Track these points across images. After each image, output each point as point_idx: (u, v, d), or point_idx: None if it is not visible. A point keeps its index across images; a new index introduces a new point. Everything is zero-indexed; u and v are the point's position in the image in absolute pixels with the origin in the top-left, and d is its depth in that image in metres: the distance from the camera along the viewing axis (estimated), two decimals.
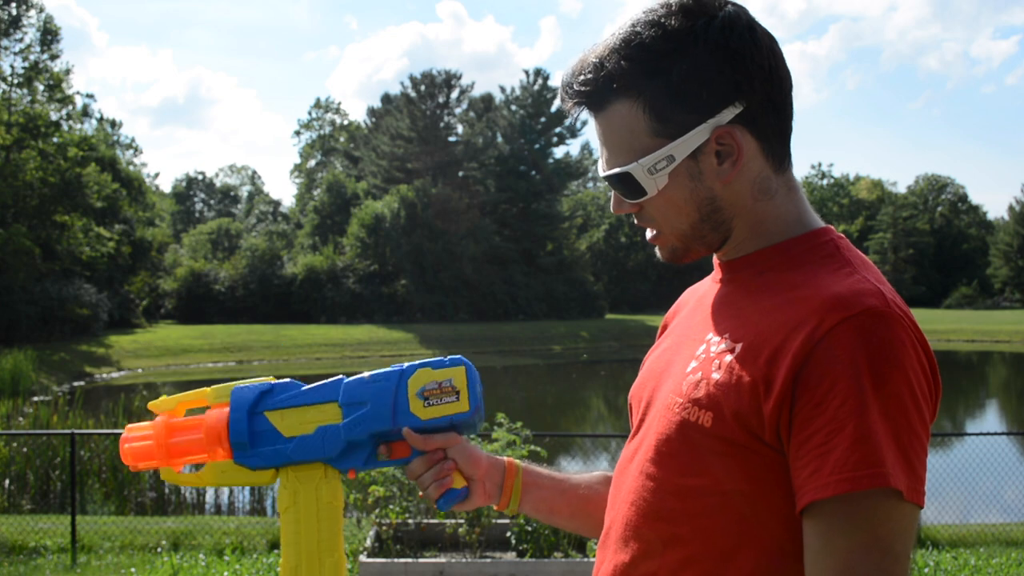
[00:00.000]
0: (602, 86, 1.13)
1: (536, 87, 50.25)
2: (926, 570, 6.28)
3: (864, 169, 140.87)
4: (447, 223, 43.46)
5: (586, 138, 60.99)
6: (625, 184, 1.15)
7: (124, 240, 35.81)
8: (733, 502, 1.07)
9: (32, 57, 31.01)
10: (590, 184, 60.60)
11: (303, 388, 1.27)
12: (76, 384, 23.01)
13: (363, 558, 5.50)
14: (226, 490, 10.22)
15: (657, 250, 1.22)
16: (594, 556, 1.29)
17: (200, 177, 74.99)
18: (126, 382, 24.02)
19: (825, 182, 73.62)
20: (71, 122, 34.08)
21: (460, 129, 49.47)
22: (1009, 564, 6.51)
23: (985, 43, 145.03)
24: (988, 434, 9.50)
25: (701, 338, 1.18)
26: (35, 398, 16.87)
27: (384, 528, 5.78)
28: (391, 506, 5.75)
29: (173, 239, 53.86)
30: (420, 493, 1.36)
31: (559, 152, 51.96)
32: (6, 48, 30.70)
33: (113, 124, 59.90)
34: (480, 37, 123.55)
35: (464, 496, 1.32)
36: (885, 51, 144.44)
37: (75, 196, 30.26)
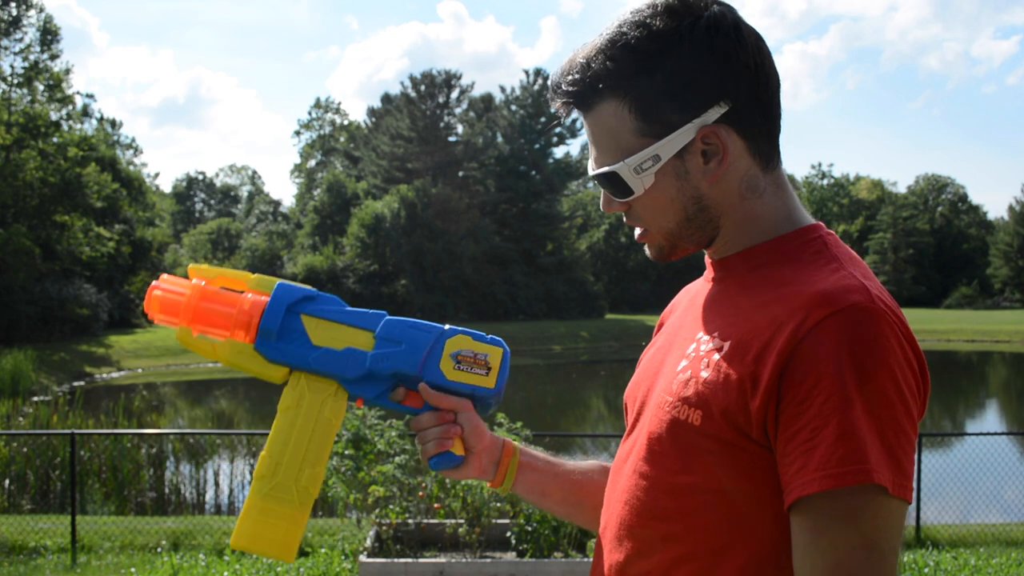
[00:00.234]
0: (589, 86, 1.14)
1: (536, 87, 50.25)
2: (926, 570, 6.28)
3: (864, 169, 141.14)
4: (447, 223, 43.47)
5: (586, 138, 61.00)
6: (612, 183, 1.16)
7: (124, 240, 35.81)
8: (725, 500, 1.08)
9: (32, 57, 31.00)
10: (590, 184, 60.51)
11: (346, 307, 1.28)
12: (76, 384, 23.01)
13: (363, 558, 5.50)
14: (226, 490, 10.23)
15: (645, 248, 1.23)
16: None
17: (200, 177, 75.02)
18: (126, 382, 24.02)
19: (825, 182, 73.63)
20: (71, 122, 34.07)
21: (460, 129, 49.50)
22: (1009, 564, 6.51)
23: (986, 43, 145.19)
24: (988, 434, 9.50)
25: (692, 337, 1.19)
26: (35, 398, 16.87)
27: (384, 528, 5.78)
28: (391, 506, 5.75)
29: (173, 239, 53.86)
30: (419, 450, 1.36)
31: (559, 152, 52.11)
32: (6, 48, 30.69)
33: (113, 124, 59.92)
34: (481, 37, 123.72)
35: (458, 464, 1.32)
36: (886, 51, 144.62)
37: (75, 196, 30.26)
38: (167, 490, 10.27)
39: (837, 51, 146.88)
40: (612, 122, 1.14)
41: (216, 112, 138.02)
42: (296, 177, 68.14)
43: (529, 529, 5.67)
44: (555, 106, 1.20)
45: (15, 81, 30.54)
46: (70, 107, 32.89)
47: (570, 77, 1.16)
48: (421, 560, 5.47)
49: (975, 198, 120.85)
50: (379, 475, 5.69)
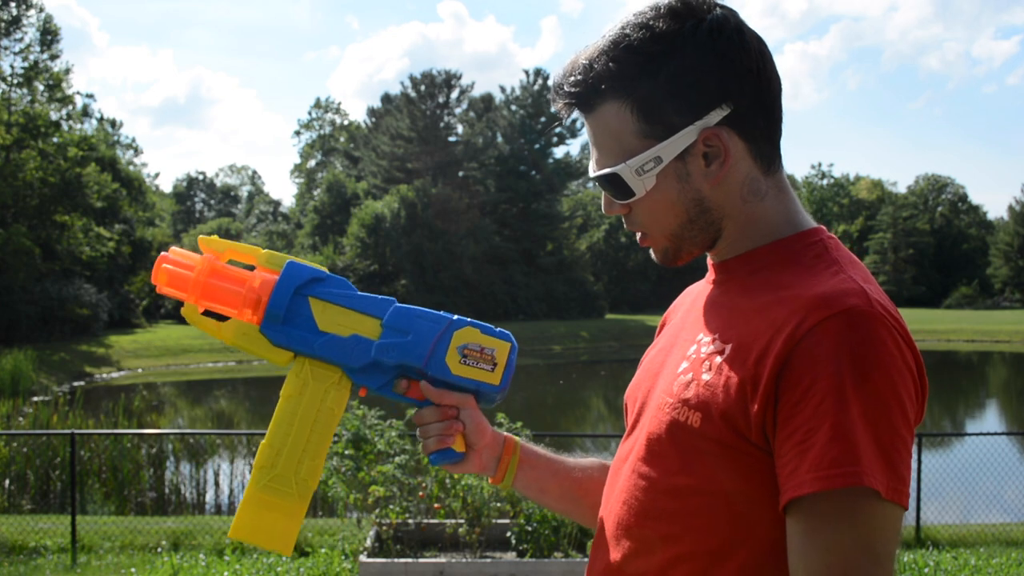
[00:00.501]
0: (591, 87, 1.14)
1: (536, 87, 50.24)
2: (926, 570, 6.28)
3: (864, 169, 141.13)
4: (447, 223, 43.47)
5: (586, 138, 60.94)
6: (614, 185, 1.16)
7: (124, 240, 35.82)
8: (724, 501, 1.08)
9: (32, 57, 31.00)
10: (590, 184, 60.48)
11: (355, 292, 1.26)
12: (76, 384, 23.00)
13: (363, 558, 5.50)
14: (226, 490, 10.23)
15: (651, 252, 1.23)
16: None
17: (200, 177, 75.03)
18: (126, 382, 24.01)
19: (825, 182, 73.62)
20: (71, 122, 34.08)
21: (460, 129, 49.49)
22: (1009, 564, 6.51)
23: (986, 43, 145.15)
24: (988, 434, 9.50)
25: (693, 339, 1.19)
26: (35, 398, 16.87)
27: (384, 528, 5.78)
28: (391, 506, 5.75)
29: (173, 239, 53.84)
30: (419, 449, 1.35)
31: (559, 152, 52.07)
32: (6, 48, 30.69)
33: (113, 124, 59.91)
34: (481, 37, 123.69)
35: (458, 460, 1.32)
36: (886, 51, 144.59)
37: (75, 196, 30.26)
38: (167, 490, 10.27)
39: (838, 51, 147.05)
40: (614, 123, 1.14)
41: (216, 112, 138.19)
42: (296, 177, 68.14)
43: (529, 529, 5.67)
44: (557, 107, 1.20)
45: (15, 81, 30.55)
46: (70, 107, 32.90)
47: (572, 78, 1.16)
48: (421, 560, 5.47)
49: (975, 198, 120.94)
50: (379, 475, 5.69)
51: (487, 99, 50.41)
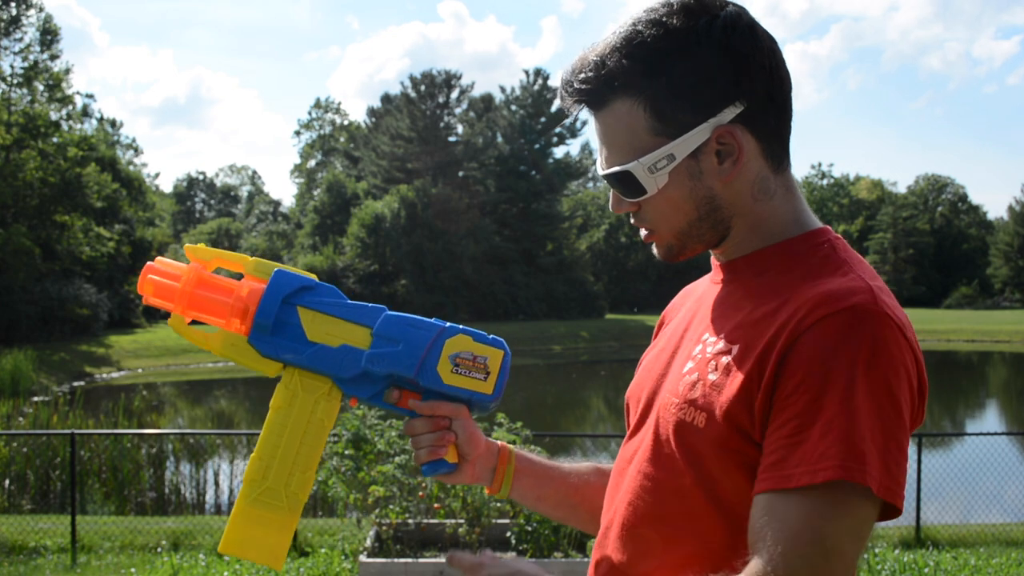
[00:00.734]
0: (603, 84, 1.13)
1: (536, 87, 50.25)
2: (926, 570, 6.27)
3: (865, 169, 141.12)
4: (447, 223, 43.47)
5: (586, 138, 60.86)
6: (625, 183, 1.15)
7: (124, 240, 35.81)
8: (728, 503, 1.08)
9: (32, 57, 31.00)
10: (590, 184, 60.56)
11: (345, 300, 1.24)
12: (76, 384, 23.00)
13: (363, 558, 5.50)
14: (226, 490, 10.23)
15: (653, 247, 1.22)
16: None
17: (200, 177, 75.04)
18: (126, 382, 24.01)
19: (825, 182, 73.60)
20: (71, 122, 34.07)
21: (460, 129, 49.49)
22: (1009, 564, 6.51)
23: (987, 43, 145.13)
24: (988, 434, 9.51)
25: (698, 338, 1.19)
26: (35, 398, 16.87)
27: (384, 528, 5.78)
28: (391, 506, 5.75)
29: (173, 239, 53.84)
30: (413, 457, 1.34)
31: (559, 152, 52.04)
32: (6, 48, 30.69)
33: (113, 124, 59.91)
34: (482, 37, 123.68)
35: (451, 471, 1.31)
36: (887, 51, 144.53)
37: (75, 196, 30.26)
38: (167, 490, 10.27)
39: (838, 51, 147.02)
40: (626, 121, 1.13)
41: (216, 112, 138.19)
42: (296, 177, 68.14)
43: (529, 529, 5.67)
44: (566, 104, 1.18)
45: (15, 81, 30.55)
46: (70, 107, 32.91)
47: (582, 75, 1.14)
48: (421, 560, 5.46)
49: (975, 198, 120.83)
50: (379, 475, 5.68)
51: (487, 99, 50.41)
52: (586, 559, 5.49)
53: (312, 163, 66.10)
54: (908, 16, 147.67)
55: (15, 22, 30.63)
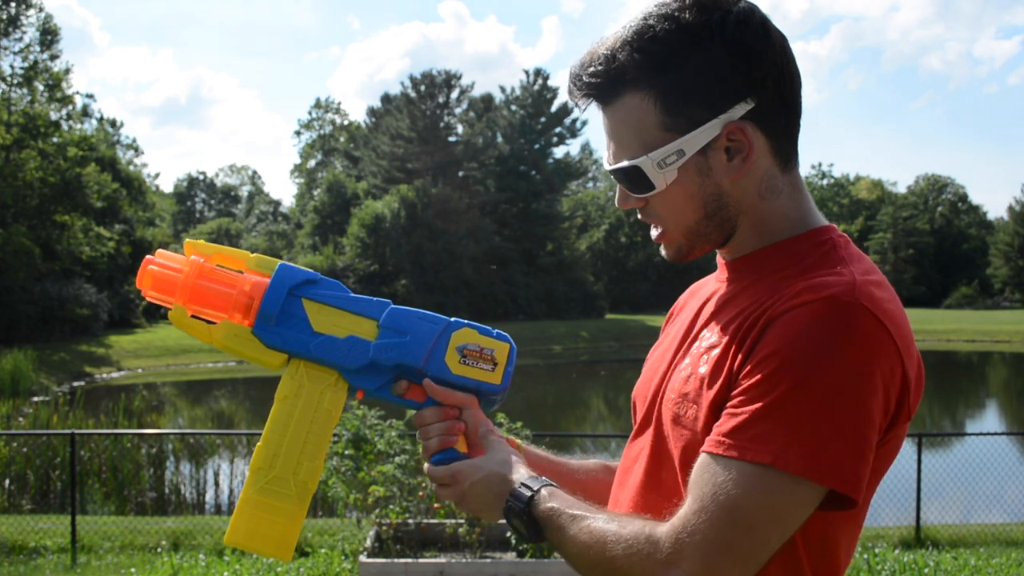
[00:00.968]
0: (613, 78, 1.12)
1: (536, 87, 50.24)
2: (926, 570, 6.27)
3: (865, 169, 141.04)
4: (447, 223, 43.47)
5: (586, 138, 60.89)
6: (633, 178, 1.14)
7: (124, 240, 35.80)
8: None
9: (32, 57, 30.99)
10: (590, 184, 60.60)
11: (349, 293, 1.23)
12: (76, 384, 23.00)
13: (363, 558, 5.50)
14: (226, 490, 10.23)
15: (662, 248, 1.22)
16: None
17: (201, 177, 75.05)
18: (126, 382, 24.00)
19: (825, 182, 73.61)
20: (71, 122, 34.07)
21: (460, 129, 49.47)
22: (1009, 564, 6.51)
23: (988, 43, 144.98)
24: (988, 434, 9.50)
25: (697, 335, 1.20)
26: (35, 398, 16.87)
27: (384, 528, 5.78)
28: (391, 506, 5.75)
29: (173, 239, 53.84)
30: (419, 449, 1.32)
31: (559, 152, 52.00)
32: (6, 48, 30.68)
33: (113, 124, 59.90)
34: (482, 37, 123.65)
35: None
36: (887, 51, 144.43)
37: (75, 196, 30.25)
38: (167, 490, 10.27)
39: (838, 51, 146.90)
40: (635, 116, 1.12)
41: (217, 112, 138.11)
42: (296, 177, 68.14)
43: None
44: (574, 98, 1.18)
45: (15, 81, 30.53)
46: (70, 107, 32.88)
47: (592, 69, 1.14)
48: (421, 560, 5.46)
49: (975, 198, 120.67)
50: (379, 475, 5.68)
51: (487, 99, 50.39)
52: None
53: (312, 163, 66.10)
54: (909, 16, 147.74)
55: (15, 22, 30.62)
